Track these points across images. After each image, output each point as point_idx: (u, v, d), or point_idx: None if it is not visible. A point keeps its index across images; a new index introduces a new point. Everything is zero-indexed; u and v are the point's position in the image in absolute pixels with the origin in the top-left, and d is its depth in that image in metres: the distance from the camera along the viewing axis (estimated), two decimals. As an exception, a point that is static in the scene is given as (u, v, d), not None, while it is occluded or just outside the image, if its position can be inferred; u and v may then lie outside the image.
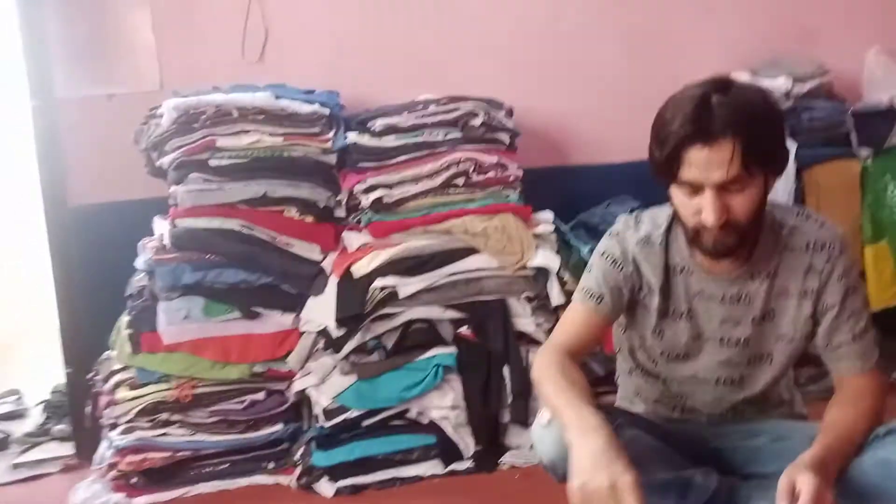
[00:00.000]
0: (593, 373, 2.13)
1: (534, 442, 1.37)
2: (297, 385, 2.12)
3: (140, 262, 2.16)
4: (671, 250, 1.37)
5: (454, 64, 2.54)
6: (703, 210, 1.19)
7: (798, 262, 1.33)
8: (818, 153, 2.46)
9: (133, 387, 2.06)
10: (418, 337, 2.10)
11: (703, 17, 2.67)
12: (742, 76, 2.29)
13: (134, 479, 2.05)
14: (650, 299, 1.39)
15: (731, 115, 1.16)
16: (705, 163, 1.16)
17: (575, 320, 1.37)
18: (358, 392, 2.05)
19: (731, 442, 1.46)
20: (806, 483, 1.10)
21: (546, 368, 1.28)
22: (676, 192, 1.25)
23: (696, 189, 1.20)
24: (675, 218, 1.34)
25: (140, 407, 2.04)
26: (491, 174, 2.20)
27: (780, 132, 1.26)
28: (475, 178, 2.18)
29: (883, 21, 2.75)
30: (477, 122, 2.18)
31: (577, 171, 2.65)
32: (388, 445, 2.07)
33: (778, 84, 2.44)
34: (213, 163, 2.10)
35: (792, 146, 2.42)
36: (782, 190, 2.40)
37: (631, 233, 1.39)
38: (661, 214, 1.39)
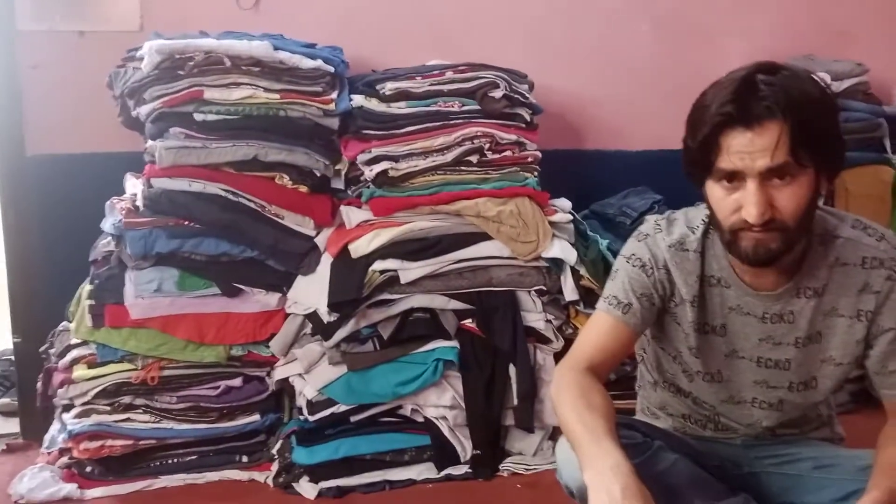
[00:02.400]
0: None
1: (558, 462, 1.25)
2: (280, 373, 1.94)
3: (107, 225, 1.94)
4: (707, 258, 1.25)
5: (471, 31, 2.37)
6: (743, 205, 1.07)
7: (852, 280, 1.21)
8: (851, 157, 2.28)
9: (92, 365, 1.89)
10: (418, 328, 1.93)
11: (739, 7, 2.57)
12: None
13: (89, 468, 1.89)
14: (682, 311, 1.27)
15: (778, 95, 1.04)
16: (748, 148, 1.04)
17: (600, 331, 1.25)
18: (348, 384, 1.87)
19: (769, 467, 1.39)
20: None
21: (565, 389, 1.16)
22: (713, 188, 1.11)
23: (736, 182, 1.08)
24: (711, 221, 1.21)
25: (100, 388, 1.86)
26: (508, 153, 2.02)
27: (835, 120, 1.12)
28: (491, 156, 1.99)
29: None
30: (498, 94, 1.97)
31: (592, 156, 2.51)
32: (378, 444, 1.90)
33: (815, 79, 2.30)
34: (198, 117, 1.88)
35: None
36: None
37: (662, 235, 1.26)
38: (696, 216, 1.27)
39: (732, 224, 1.11)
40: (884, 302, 1.21)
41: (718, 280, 1.25)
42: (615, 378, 1.97)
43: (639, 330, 1.26)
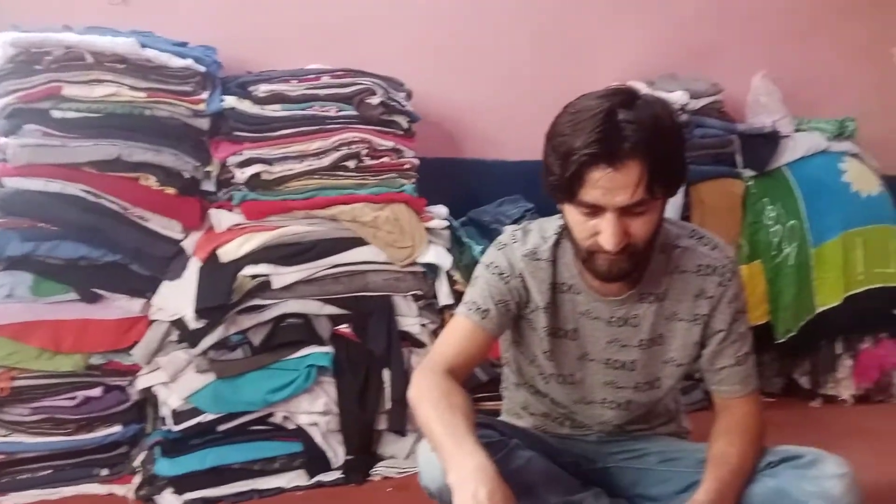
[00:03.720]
0: (476, 379, 2.04)
1: (419, 464, 1.26)
2: (143, 382, 1.86)
3: (-49, 225, 1.79)
4: (558, 266, 1.31)
5: (352, 37, 2.36)
6: (601, 233, 1.13)
7: (689, 286, 1.29)
8: (706, 171, 2.49)
9: (-67, 374, 1.73)
10: (291, 334, 1.89)
11: (610, 26, 2.68)
12: (640, 87, 2.27)
13: (-74, 487, 1.73)
14: (537, 317, 1.32)
15: (639, 136, 1.08)
16: (609, 185, 1.09)
17: (459, 335, 1.28)
18: (215, 393, 1.81)
19: (619, 462, 1.45)
20: None
21: (426, 390, 1.17)
22: (571, 211, 1.17)
23: (595, 211, 1.12)
24: (563, 232, 1.28)
25: (-59, 399, 1.72)
26: (385, 159, 2.03)
27: (683, 150, 1.20)
28: (368, 162, 1.99)
29: (770, 47, 2.86)
30: (375, 100, 1.98)
31: (470, 164, 2.55)
32: (246, 453, 1.84)
33: (675, 97, 2.45)
34: (56, 114, 1.79)
35: (682, 161, 2.44)
36: (671, 205, 2.41)
37: (518, 245, 1.31)
38: (549, 227, 1.32)
39: (589, 246, 1.16)
40: (716, 306, 1.30)
41: (569, 287, 1.31)
42: (487, 380, 2.03)
43: (496, 334, 1.30)
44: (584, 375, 1.37)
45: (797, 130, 2.69)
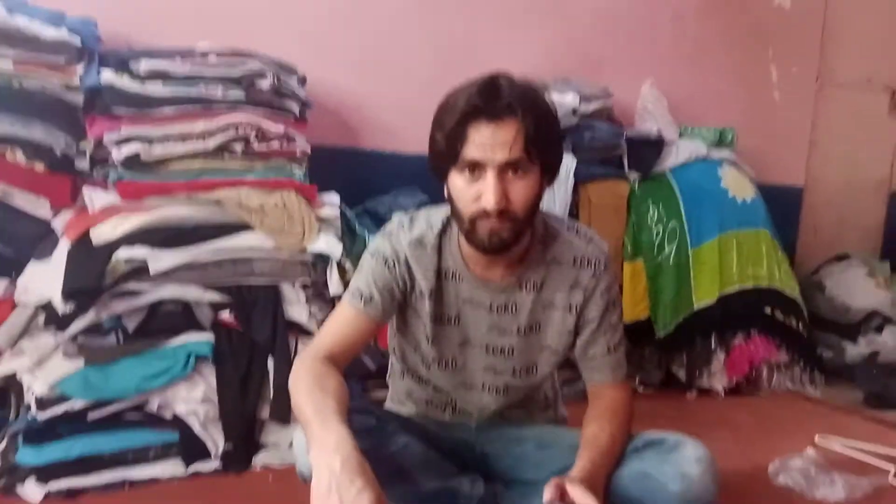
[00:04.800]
0: (365, 368, 2.04)
1: (294, 450, 1.27)
2: (4, 367, 1.74)
3: None
4: (444, 254, 1.33)
5: (246, 19, 2.32)
6: (483, 194, 1.16)
7: (565, 276, 1.34)
8: (594, 171, 2.59)
9: None
10: (169, 320, 1.82)
11: (505, 30, 2.75)
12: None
13: None
14: (421, 304, 1.34)
15: (518, 96, 1.15)
16: (490, 141, 1.14)
17: (342, 322, 1.29)
18: (85, 380, 1.71)
19: (497, 447, 1.48)
20: (579, 494, 1.09)
21: (303, 376, 1.18)
22: (455, 180, 1.19)
23: (477, 173, 1.17)
24: (449, 221, 1.31)
25: None
26: (275, 145, 1.99)
27: (559, 129, 1.26)
28: (257, 146, 1.95)
29: (659, 59, 3.01)
30: (265, 84, 1.94)
31: (367, 155, 2.55)
32: (118, 442, 1.75)
33: (567, 100, 2.53)
34: None
35: (572, 162, 2.52)
36: (559, 202, 2.49)
37: (404, 233, 1.33)
38: (435, 216, 1.35)
39: (472, 213, 1.18)
40: (590, 297, 1.34)
41: (453, 274, 1.33)
42: (376, 368, 2.02)
43: (379, 321, 1.31)
44: (465, 361, 1.39)
45: (680, 137, 2.83)
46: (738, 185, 2.79)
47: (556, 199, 2.50)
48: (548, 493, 1.10)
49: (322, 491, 0.97)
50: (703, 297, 2.65)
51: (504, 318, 1.35)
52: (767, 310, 2.72)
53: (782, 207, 3.14)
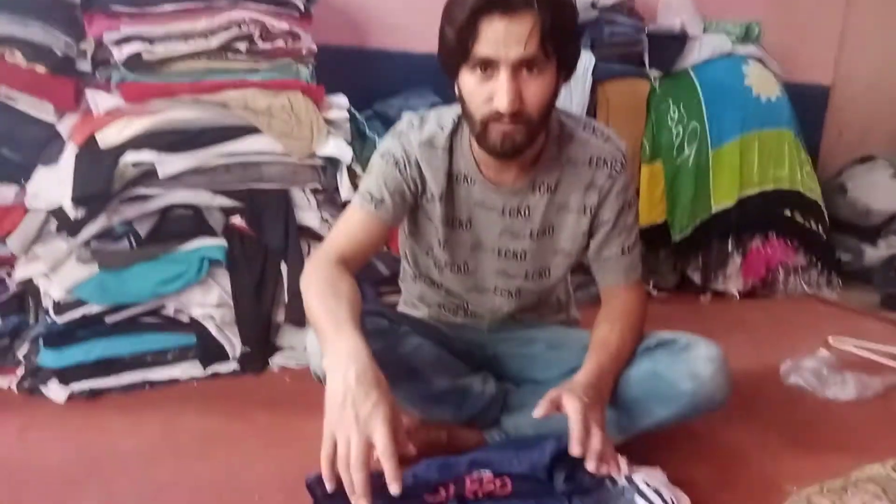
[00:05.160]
0: (379, 273, 2.04)
1: (308, 351, 1.28)
2: (21, 273, 1.76)
3: None
4: (455, 156, 1.29)
5: None
6: (496, 95, 1.10)
7: (580, 177, 1.30)
8: (613, 69, 2.49)
9: None
10: (180, 225, 1.81)
11: None
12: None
13: None
14: (432, 207, 1.31)
15: None
16: (504, 36, 1.06)
17: (353, 225, 1.27)
18: (101, 285, 1.73)
19: (509, 348, 1.50)
20: (571, 406, 1.09)
21: (315, 279, 1.16)
22: (467, 79, 1.13)
23: (489, 71, 1.10)
24: (461, 121, 1.26)
25: None
26: (280, 43, 1.91)
27: (577, 22, 1.18)
28: (261, 45, 1.88)
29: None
30: (267, -24, 1.85)
31: (375, 55, 2.45)
32: (137, 345, 1.78)
33: (586, -8, 2.40)
34: None
35: (590, 60, 2.42)
36: (577, 101, 2.41)
37: (415, 133, 1.28)
38: (447, 115, 1.30)
39: (484, 115, 1.13)
40: (605, 197, 1.31)
41: (465, 177, 1.29)
42: (389, 274, 2.03)
43: (390, 224, 1.29)
44: (477, 264, 1.38)
45: (703, 32, 2.70)
46: (762, 83, 2.68)
47: (573, 100, 2.42)
48: (539, 409, 1.10)
49: (337, 402, 0.97)
50: (722, 199, 2.60)
51: (517, 222, 1.32)
52: (787, 212, 2.67)
53: (807, 107, 3.02)
